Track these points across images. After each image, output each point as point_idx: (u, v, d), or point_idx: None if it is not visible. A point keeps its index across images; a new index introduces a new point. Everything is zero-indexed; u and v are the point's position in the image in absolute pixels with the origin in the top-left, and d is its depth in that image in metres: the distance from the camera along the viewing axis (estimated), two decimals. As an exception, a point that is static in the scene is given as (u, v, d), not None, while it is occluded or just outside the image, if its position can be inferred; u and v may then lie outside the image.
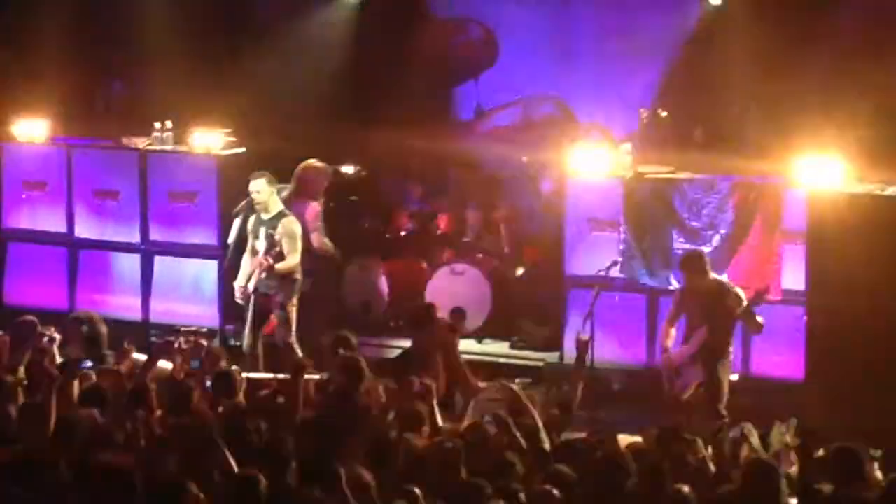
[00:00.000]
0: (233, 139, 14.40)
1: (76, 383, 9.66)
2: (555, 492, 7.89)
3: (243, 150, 14.38)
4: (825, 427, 9.83)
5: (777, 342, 12.37)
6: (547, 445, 9.31)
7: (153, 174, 14.47)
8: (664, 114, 14.95)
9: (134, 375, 10.51)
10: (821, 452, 9.10)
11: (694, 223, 12.95)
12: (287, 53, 16.07)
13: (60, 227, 14.87)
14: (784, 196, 12.60)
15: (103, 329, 11.84)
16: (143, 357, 11.09)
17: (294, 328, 12.70)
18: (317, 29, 16.44)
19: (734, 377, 11.75)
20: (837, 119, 12.98)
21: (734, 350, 11.70)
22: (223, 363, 10.86)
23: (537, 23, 16.43)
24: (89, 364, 10.55)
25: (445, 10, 17.09)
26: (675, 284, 12.64)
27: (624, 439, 9.70)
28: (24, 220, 15.01)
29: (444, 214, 15.48)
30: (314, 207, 13.49)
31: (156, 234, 14.53)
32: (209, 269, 14.26)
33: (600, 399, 11.88)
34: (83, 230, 14.80)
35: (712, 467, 9.06)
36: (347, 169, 15.61)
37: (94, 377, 10.06)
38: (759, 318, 11.46)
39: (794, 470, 9.22)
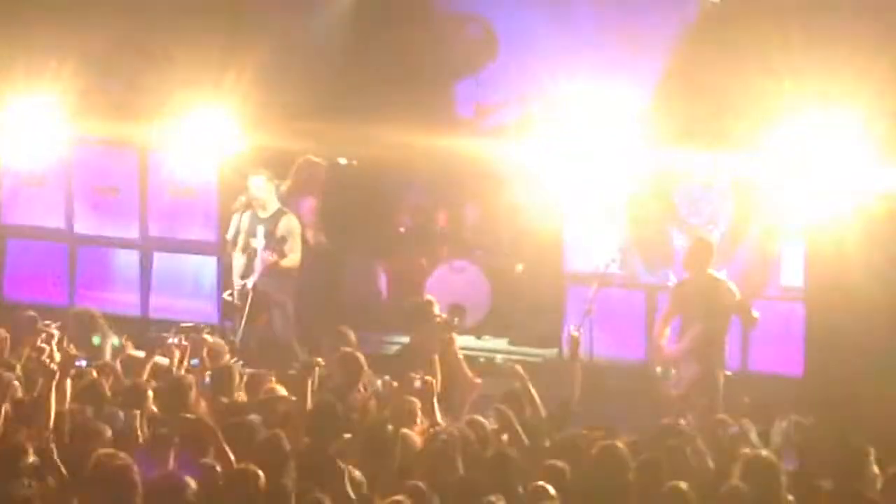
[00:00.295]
0: (232, 136, 14.39)
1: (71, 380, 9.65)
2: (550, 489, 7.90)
3: (243, 147, 14.37)
4: (824, 423, 9.83)
5: (776, 338, 12.36)
6: (546, 441, 9.32)
7: (153, 170, 14.47)
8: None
9: (132, 372, 10.50)
10: (820, 449, 9.11)
11: (693, 220, 12.96)
12: (287, 49, 16.04)
13: (59, 223, 14.87)
14: (783, 193, 12.60)
15: (102, 325, 11.84)
16: (141, 353, 11.09)
17: (293, 325, 12.70)
18: (316, 25, 16.41)
19: (729, 373, 11.74)
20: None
21: (732, 345, 11.70)
22: (226, 358, 10.86)
23: (537, 21, 16.40)
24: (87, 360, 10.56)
25: (445, 7, 17.07)
26: (673, 280, 12.65)
27: (622, 435, 9.69)
28: (24, 216, 15.02)
29: (444, 211, 15.46)
30: (311, 203, 13.48)
31: (155, 230, 14.53)
32: (208, 266, 14.26)
33: (598, 395, 11.88)
34: (82, 226, 14.80)
35: (711, 463, 9.06)
36: (341, 160, 15.60)
37: (92, 373, 10.06)
38: (755, 313, 11.46)
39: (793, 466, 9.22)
